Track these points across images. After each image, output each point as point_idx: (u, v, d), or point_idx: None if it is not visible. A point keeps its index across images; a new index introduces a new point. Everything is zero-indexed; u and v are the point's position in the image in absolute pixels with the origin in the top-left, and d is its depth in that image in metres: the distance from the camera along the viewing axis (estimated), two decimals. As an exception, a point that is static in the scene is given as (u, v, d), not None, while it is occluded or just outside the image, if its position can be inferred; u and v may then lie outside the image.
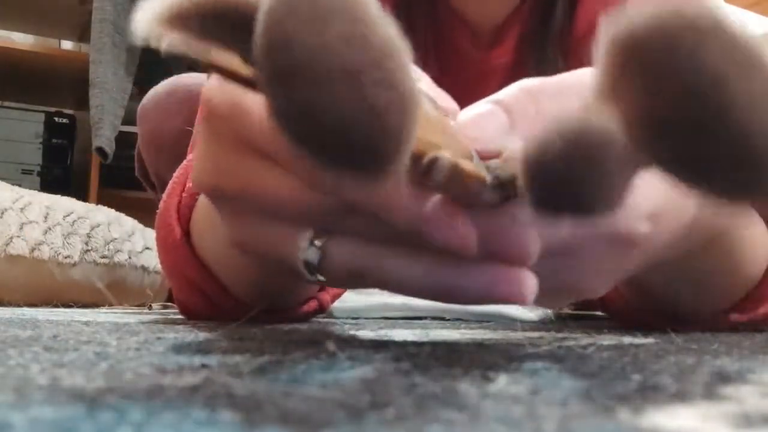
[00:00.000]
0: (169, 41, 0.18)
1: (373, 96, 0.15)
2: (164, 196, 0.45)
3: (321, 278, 0.26)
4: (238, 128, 0.25)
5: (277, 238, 0.26)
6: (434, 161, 0.19)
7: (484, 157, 0.22)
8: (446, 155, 0.19)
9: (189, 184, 0.44)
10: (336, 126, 0.15)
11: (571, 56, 0.61)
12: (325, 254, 0.25)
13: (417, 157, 0.19)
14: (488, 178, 0.21)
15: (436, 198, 0.22)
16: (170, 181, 0.45)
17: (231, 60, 0.20)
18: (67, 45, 2.25)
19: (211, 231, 0.41)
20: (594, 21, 0.17)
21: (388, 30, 0.16)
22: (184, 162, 0.46)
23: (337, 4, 0.15)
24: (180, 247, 0.43)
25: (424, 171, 0.19)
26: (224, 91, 0.25)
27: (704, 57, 0.15)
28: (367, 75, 0.15)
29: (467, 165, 0.20)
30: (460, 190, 0.21)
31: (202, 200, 0.42)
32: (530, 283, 0.23)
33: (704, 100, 0.15)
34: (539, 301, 0.27)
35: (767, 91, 0.15)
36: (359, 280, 0.25)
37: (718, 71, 0.15)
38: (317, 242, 0.25)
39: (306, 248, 0.25)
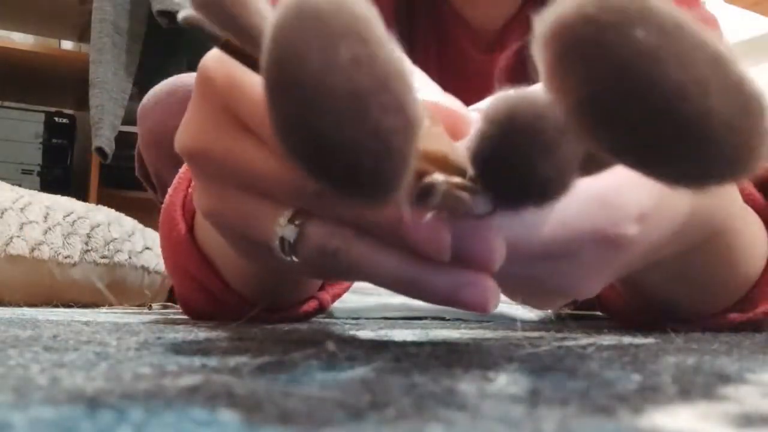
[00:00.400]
0: (186, 15, 0.19)
1: (378, 119, 0.15)
2: (170, 190, 0.45)
3: (294, 258, 0.26)
4: (229, 101, 0.25)
5: (253, 213, 0.26)
6: (430, 187, 0.19)
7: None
8: (441, 179, 0.19)
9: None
10: (339, 148, 0.15)
11: None
12: (302, 233, 0.25)
13: (414, 177, 0.19)
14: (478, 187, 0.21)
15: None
16: (176, 176, 0.45)
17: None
18: (67, 45, 2.25)
19: None
20: None
21: (394, 51, 0.16)
22: None
23: (345, 24, 0.15)
24: (184, 243, 0.43)
25: (419, 194, 0.19)
26: (223, 61, 0.25)
27: (632, 40, 0.15)
28: (374, 98, 0.15)
29: (459, 182, 0.20)
30: (451, 208, 0.21)
31: None
32: (495, 292, 0.23)
33: (637, 82, 0.15)
34: (533, 303, 0.27)
35: (704, 69, 0.15)
36: (333, 263, 0.25)
37: (650, 54, 0.15)
38: (297, 221, 0.25)
39: (284, 225, 0.25)
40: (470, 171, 0.21)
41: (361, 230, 0.24)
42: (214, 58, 0.26)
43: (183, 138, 0.28)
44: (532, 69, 0.17)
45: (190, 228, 0.44)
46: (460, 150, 0.21)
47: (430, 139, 0.19)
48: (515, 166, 0.19)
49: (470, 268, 0.23)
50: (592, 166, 0.20)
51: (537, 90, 0.18)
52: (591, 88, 0.16)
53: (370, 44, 0.15)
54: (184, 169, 0.46)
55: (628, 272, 0.32)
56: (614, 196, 0.27)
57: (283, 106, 0.15)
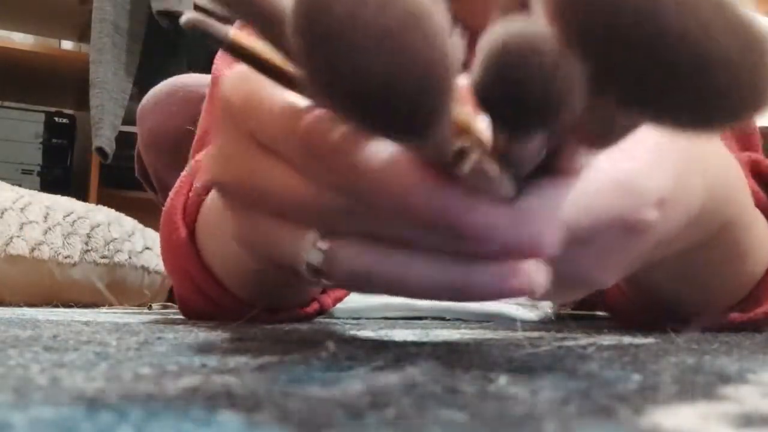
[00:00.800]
0: (189, 17, 0.18)
1: (414, 52, 0.15)
2: (171, 193, 0.45)
3: (325, 281, 0.25)
4: (249, 122, 0.25)
5: (281, 238, 0.26)
6: (464, 152, 0.19)
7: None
8: (473, 146, 0.19)
9: (196, 184, 0.44)
10: (379, 87, 0.15)
11: None
12: (329, 256, 0.24)
13: (453, 134, 0.19)
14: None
15: (457, 189, 0.21)
16: (178, 180, 0.46)
17: (252, 42, 0.19)
18: (67, 45, 2.25)
19: (216, 232, 0.41)
20: None
21: None
22: (192, 161, 0.47)
23: None
24: (183, 246, 0.43)
25: (453, 157, 0.19)
26: (239, 83, 0.25)
27: None
28: (408, 34, 0.15)
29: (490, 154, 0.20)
30: (479, 180, 0.21)
31: (210, 202, 0.42)
32: (541, 275, 0.23)
33: (634, 24, 0.15)
34: (550, 293, 0.27)
35: (706, 11, 0.15)
36: (365, 282, 0.24)
37: None
38: (321, 245, 0.24)
39: (309, 250, 0.24)
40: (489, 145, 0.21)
41: (394, 243, 0.23)
42: (231, 82, 0.26)
43: (213, 171, 0.27)
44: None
45: (191, 232, 0.44)
46: (482, 125, 0.21)
47: (456, 108, 0.19)
48: (515, 93, 0.19)
49: (523, 256, 0.22)
50: (601, 127, 0.20)
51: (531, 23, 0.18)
52: (586, 32, 0.16)
53: None
54: (186, 171, 0.46)
55: (644, 262, 0.31)
56: (633, 181, 0.26)
57: (318, 55, 0.15)
